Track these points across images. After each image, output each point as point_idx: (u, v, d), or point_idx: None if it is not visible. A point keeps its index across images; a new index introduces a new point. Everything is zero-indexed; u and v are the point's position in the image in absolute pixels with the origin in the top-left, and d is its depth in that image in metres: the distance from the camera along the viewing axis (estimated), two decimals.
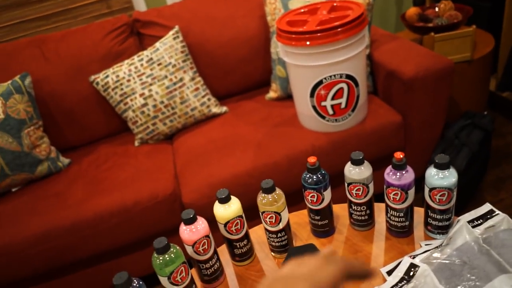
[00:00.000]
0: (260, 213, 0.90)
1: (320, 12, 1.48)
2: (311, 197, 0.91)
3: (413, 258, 0.83)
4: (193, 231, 0.84)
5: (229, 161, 1.50)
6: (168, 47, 1.73)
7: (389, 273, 0.84)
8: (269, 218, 0.89)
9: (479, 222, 0.86)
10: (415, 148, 1.64)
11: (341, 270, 0.45)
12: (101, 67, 1.78)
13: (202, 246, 0.85)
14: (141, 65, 1.71)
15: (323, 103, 1.45)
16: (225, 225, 0.88)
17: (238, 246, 0.92)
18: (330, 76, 1.39)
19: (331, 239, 0.98)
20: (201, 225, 0.85)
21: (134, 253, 1.54)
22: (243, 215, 0.90)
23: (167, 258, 0.79)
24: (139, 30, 1.88)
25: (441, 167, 0.81)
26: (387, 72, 1.60)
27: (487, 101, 2.19)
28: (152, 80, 1.70)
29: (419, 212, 0.94)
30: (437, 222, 0.87)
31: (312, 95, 1.44)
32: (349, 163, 0.90)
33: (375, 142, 1.54)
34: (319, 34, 1.32)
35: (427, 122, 1.60)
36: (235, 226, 0.89)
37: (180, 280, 0.81)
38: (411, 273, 0.78)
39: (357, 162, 0.88)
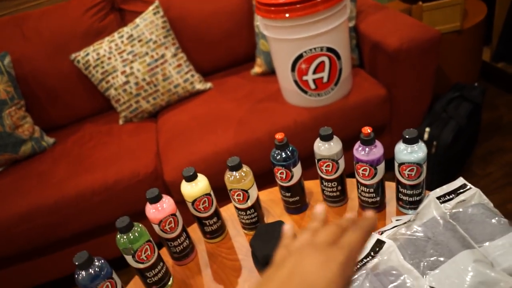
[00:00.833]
0: (228, 191, 0.89)
1: None
2: (280, 173, 0.90)
3: (381, 234, 0.82)
4: (158, 210, 0.83)
5: (210, 138, 1.49)
6: (148, 23, 1.69)
7: None
8: (236, 196, 0.88)
9: (451, 197, 0.85)
10: (401, 122, 1.62)
11: (342, 269, 0.42)
12: (82, 44, 1.75)
13: (168, 225, 0.84)
14: (122, 42, 1.67)
15: (304, 78, 1.42)
16: (193, 203, 0.87)
17: (208, 224, 0.92)
18: (311, 50, 1.35)
19: (303, 216, 0.97)
20: (167, 203, 0.84)
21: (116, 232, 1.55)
22: (211, 193, 0.89)
23: (131, 237, 0.78)
24: (120, 6, 1.83)
25: (409, 141, 0.79)
26: (372, 44, 1.56)
27: (479, 72, 2.14)
28: (133, 57, 1.67)
29: (392, 188, 0.93)
30: (407, 198, 0.86)
31: (293, 69, 1.41)
32: (318, 139, 0.88)
33: (359, 117, 1.52)
34: (298, 6, 1.28)
35: (413, 96, 1.57)
36: (202, 204, 0.88)
37: (145, 258, 0.81)
38: (377, 249, 0.78)
39: (325, 138, 0.86)
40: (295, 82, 1.44)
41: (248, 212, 0.91)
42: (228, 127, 1.51)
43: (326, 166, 0.89)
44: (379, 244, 0.78)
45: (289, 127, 1.46)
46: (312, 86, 1.44)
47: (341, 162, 0.89)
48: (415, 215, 0.81)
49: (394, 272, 0.72)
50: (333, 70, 1.41)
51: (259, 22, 1.41)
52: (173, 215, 0.85)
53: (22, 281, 1.62)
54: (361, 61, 1.70)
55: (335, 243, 0.44)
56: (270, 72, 1.76)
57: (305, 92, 1.46)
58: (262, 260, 0.83)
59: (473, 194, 0.83)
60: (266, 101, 1.60)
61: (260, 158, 1.37)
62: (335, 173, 0.89)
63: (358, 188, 0.90)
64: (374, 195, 0.88)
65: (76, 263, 0.72)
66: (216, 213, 0.92)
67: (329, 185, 0.92)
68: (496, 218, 0.76)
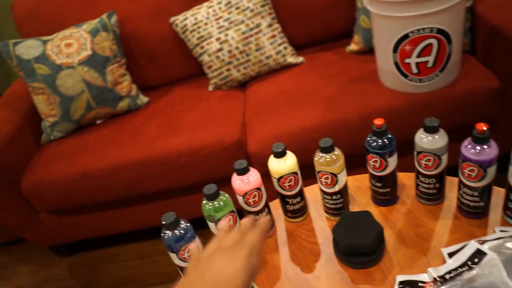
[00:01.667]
0: (316, 172, 0.86)
1: None
2: (373, 162, 0.84)
3: (482, 243, 0.74)
4: (244, 182, 0.83)
5: (297, 114, 1.45)
6: None
7: (451, 255, 0.76)
8: (324, 179, 0.84)
9: None
10: (510, 120, 1.44)
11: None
12: (182, 8, 1.78)
13: (252, 198, 0.84)
14: (219, 8, 1.68)
15: (407, 60, 1.31)
16: (279, 180, 0.86)
17: (291, 203, 0.90)
18: (418, 30, 1.23)
19: (391, 209, 0.91)
20: (254, 177, 0.83)
21: (196, 194, 1.60)
22: (298, 172, 0.87)
23: (216, 205, 0.79)
24: None
25: None
26: (490, 29, 1.38)
27: None
28: (229, 24, 1.66)
29: (500, 194, 0.83)
30: None
31: (395, 50, 1.30)
32: (421, 130, 0.81)
33: (463, 109, 1.38)
34: None
35: None
36: (288, 182, 0.86)
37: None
38: (476, 260, 0.70)
39: (430, 130, 0.78)
40: (396, 64, 1.34)
41: (334, 197, 0.87)
42: (317, 105, 1.46)
43: (426, 161, 0.81)
44: (479, 255, 0.71)
45: (382, 111, 1.38)
46: (414, 70, 1.33)
47: (444, 158, 0.81)
48: None
49: None
50: (441, 54, 1.28)
51: None
52: (258, 189, 0.84)
53: (106, 227, 1.77)
54: (473, 47, 1.52)
55: (239, 243, 0.53)
56: (367, 50, 1.66)
57: (405, 76, 1.36)
58: (344, 250, 0.80)
59: None
60: (360, 81, 1.52)
61: (347, 140, 1.30)
62: (435, 169, 0.82)
63: (459, 189, 0.82)
64: (478, 200, 0.79)
65: (163, 223, 0.74)
66: (301, 193, 0.90)
67: (426, 181, 0.85)
68: None
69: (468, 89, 1.37)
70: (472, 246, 0.73)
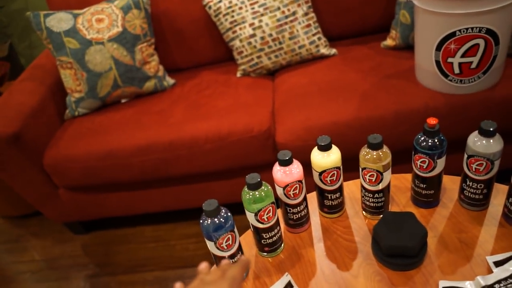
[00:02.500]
0: (360, 169, 0.83)
1: None
2: (421, 162, 0.81)
3: None
4: (286, 173, 0.80)
5: (329, 107, 1.42)
6: None
7: (497, 264, 0.73)
8: (369, 176, 0.81)
9: None
10: None
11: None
12: None
13: (293, 190, 0.82)
14: None
15: (450, 59, 1.27)
16: (320, 173, 0.83)
17: (330, 198, 0.88)
18: (467, 29, 1.19)
19: (432, 211, 0.88)
20: (296, 169, 0.81)
21: (221, 180, 1.59)
22: (341, 167, 0.84)
23: (257, 195, 0.77)
24: None
25: None
26: None
27: None
28: (264, 10, 1.63)
29: None
30: None
31: (439, 48, 1.26)
32: (475, 133, 0.77)
33: (503, 114, 1.33)
34: None
35: None
36: (330, 177, 0.83)
37: (266, 219, 0.79)
38: None
39: (487, 133, 0.75)
40: (437, 62, 1.30)
41: (376, 195, 0.84)
42: (350, 99, 1.43)
43: (477, 165, 0.78)
44: None
45: (418, 110, 1.34)
46: (456, 70, 1.28)
47: (497, 164, 0.78)
48: None
49: None
50: (487, 56, 1.24)
51: None
52: (300, 181, 0.82)
53: (125, 207, 1.76)
54: None
55: (221, 277, 0.56)
56: (404, 47, 1.61)
57: (446, 76, 1.31)
58: (386, 250, 0.77)
59: None
60: (395, 78, 1.48)
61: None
62: (486, 174, 0.79)
63: (509, 197, 0.79)
64: None
65: (204, 209, 0.72)
66: (340, 189, 0.87)
67: (473, 186, 0.82)
68: None
69: (510, 94, 1.32)
70: None
